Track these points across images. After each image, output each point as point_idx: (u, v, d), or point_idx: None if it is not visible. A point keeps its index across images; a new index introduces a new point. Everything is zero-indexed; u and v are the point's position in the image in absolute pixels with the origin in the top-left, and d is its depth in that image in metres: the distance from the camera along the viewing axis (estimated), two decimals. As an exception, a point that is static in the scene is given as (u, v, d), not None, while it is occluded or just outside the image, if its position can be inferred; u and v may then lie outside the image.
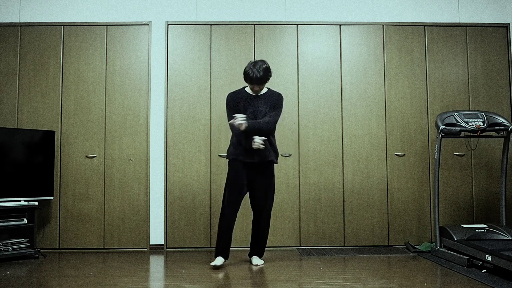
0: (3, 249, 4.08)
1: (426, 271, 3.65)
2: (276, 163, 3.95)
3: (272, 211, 4.67)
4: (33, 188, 4.41)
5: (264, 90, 3.92)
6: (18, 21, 4.80)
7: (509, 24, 4.94)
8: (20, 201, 4.32)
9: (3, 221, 4.14)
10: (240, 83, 4.77)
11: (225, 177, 3.95)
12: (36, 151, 4.46)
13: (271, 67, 4.91)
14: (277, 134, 4.74)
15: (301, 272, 3.65)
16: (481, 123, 4.22)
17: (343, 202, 4.77)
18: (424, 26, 4.92)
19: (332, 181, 4.77)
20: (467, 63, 4.92)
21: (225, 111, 4.72)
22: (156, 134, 4.76)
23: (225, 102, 3.92)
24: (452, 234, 4.07)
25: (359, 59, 4.87)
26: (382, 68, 4.87)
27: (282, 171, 4.74)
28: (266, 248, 4.13)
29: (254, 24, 4.86)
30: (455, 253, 3.95)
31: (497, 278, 3.34)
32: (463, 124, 4.21)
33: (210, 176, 4.72)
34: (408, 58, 4.88)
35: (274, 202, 4.15)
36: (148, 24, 4.84)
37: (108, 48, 4.82)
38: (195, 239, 4.70)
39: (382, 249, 4.62)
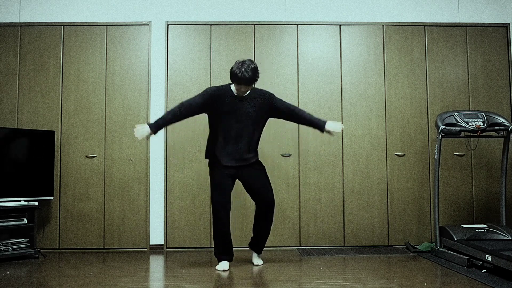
0: (3, 249, 4.09)
1: (426, 271, 3.65)
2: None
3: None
4: (33, 188, 4.40)
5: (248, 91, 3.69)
6: (18, 21, 4.80)
7: (509, 24, 4.94)
8: (20, 201, 4.32)
9: (3, 221, 4.14)
10: (240, 83, 4.77)
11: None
12: (36, 151, 4.46)
13: (271, 67, 4.93)
14: (277, 134, 4.74)
15: (301, 272, 3.65)
16: (481, 123, 4.22)
17: (343, 202, 4.77)
18: (424, 26, 4.92)
19: (332, 181, 4.77)
20: (467, 63, 4.92)
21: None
22: (156, 134, 4.75)
23: (204, 91, 3.65)
24: (452, 234, 4.07)
25: (359, 59, 4.87)
26: (382, 68, 4.87)
27: (282, 171, 4.75)
28: (266, 248, 4.13)
29: (254, 24, 4.86)
30: (455, 253, 3.95)
31: (497, 278, 3.34)
32: (463, 124, 4.21)
33: (210, 176, 4.71)
34: (408, 58, 4.88)
35: (274, 202, 4.08)
36: (148, 24, 4.84)
37: (108, 48, 4.82)
38: (195, 239, 4.70)
39: (382, 249, 4.63)
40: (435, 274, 3.56)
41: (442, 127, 4.18)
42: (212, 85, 4.77)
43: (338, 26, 4.91)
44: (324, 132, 3.82)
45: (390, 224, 4.76)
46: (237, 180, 3.80)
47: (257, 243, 3.91)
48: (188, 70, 4.81)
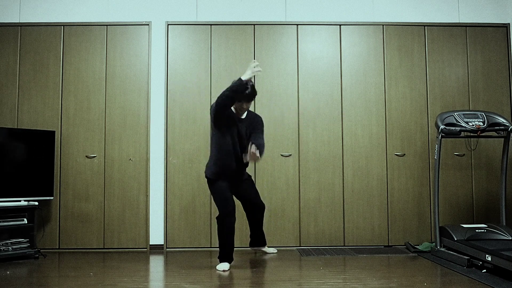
0: (3, 249, 4.09)
1: (426, 271, 3.65)
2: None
3: (272, 211, 4.71)
4: (33, 188, 4.41)
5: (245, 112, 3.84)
6: (18, 21, 4.80)
7: (509, 24, 4.94)
8: (20, 201, 4.32)
9: (3, 221, 4.14)
10: (240, 83, 4.77)
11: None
12: (36, 151, 4.46)
13: (271, 67, 4.98)
14: (277, 134, 4.75)
15: (301, 272, 3.65)
16: (481, 123, 4.22)
17: (343, 202, 4.77)
18: (424, 26, 4.92)
19: (332, 181, 4.77)
20: (467, 63, 4.92)
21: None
22: (156, 134, 4.76)
23: (215, 109, 3.63)
24: (452, 234, 4.07)
25: (359, 59, 4.87)
26: (382, 68, 4.87)
27: (282, 171, 4.75)
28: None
29: (254, 24, 4.86)
30: (455, 253, 3.95)
31: (497, 278, 3.34)
32: (463, 124, 4.21)
33: (210, 176, 4.71)
34: (408, 58, 4.88)
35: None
36: (148, 24, 4.84)
37: (108, 48, 4.82)
38: (195, 239, 4.70)
39: (382, 249, 4.62)
40: (435, 274, 3.56)
41: (442, 127, 4.18)
42: (212, 85, 4.79)
43: (338, 26, 4.91)
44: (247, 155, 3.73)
45: (390, 224, 4.76)
46: None
47: (260, 237, 4.27)
48: (188, 70, 4.81)
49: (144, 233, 4.69)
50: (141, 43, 4.83)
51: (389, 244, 4.75)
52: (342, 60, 4.87)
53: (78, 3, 4.86)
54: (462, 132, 4.33)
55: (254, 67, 3.50)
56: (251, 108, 4.60)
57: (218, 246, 3.94)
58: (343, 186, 4.78)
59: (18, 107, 4.74)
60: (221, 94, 3.55)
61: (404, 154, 4.81)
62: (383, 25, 4.90)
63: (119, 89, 4.78)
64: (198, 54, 4.83)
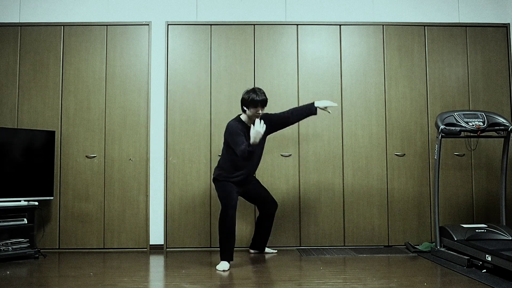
0: (3, 249, 4.09)
1: (426, 271, 3.65)
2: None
3: (272, 211, 4.71)
4: (33, 188, 4.41)
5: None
6: (18, 21, 4.80)
7: (509, 24, 4.94)
8: (20, 201, 4.32)
9: (3, 221, 4.14)
10: (240, 82, 4.78)
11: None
12: (36, 151, 4.46)
13: (271, 67, 4.99)
14: (277, 134, 4.74)
15: (301, 272, 3.65)
16: (481, 123, 4.22)
17: (343, 202, 4.77)
18: (424, 26, 4.92)
19: (332, 181, 4.77)
20: (467, 63, 4.92)
21: (225, 113, 4.73)
22: (156, 134, 4.76)
23: (231, 131, 3.79)
24: (452, 234, 4.07)
25: (359, 59, 4.87)
26: (382, 68, 4.87)
27: (282, 171, 4.74)
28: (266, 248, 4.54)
29: (254, 24, 4.86)
30: (455, 253, 3.95)
31: (497, 278, 3.34)
32: (463, 124, 4.21)
33: (210, 176, 4.71)
34: (408, 58, 4.88)
35: (277, 202, 4.48)
36: (148, 24, 4.84)
37: (108, 48, 4.82)
38: (195, 239, 4.70)
39: (382, 249, 4.62)
40: (435, 274, 3.56)
41: (442, 127, 4.18)
42: (212, 85, 4.79)
43: (338, 26, 4.91)
44: (319, 111, 4.02)
45: (390, 224, 4.76)
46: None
47: (264, 241, 4.39)
48: (188, 70, 4.81)
49: (144, 233, 4.69)
50: (141, 43, 4.83)
51: (389, 244, 4.75)
52: (342, 60, 4.87)
53: (78, 3, 4.86)
54: (462, 132, 4.33)
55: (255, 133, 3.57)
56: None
57: (218, 245, 3.94)
58: (343, 186, 4.78)
59: (18, 107, 4.74)
60: (243, 150, 3.62)
61: (404, 154, 4.81)
62: (383, 25, 4.90)
63: (119, 89, 4.78)
64: (198, 54, 4.83)
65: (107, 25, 4.83)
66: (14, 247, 4.17)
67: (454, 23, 4.93)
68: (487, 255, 3.53)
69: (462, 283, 3.24)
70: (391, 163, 4.80)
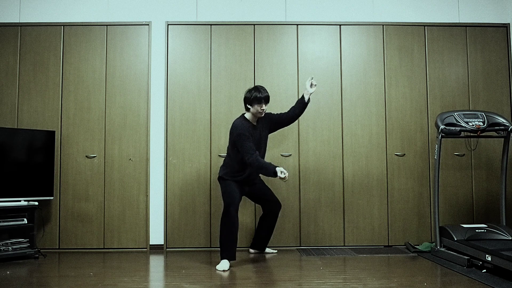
0: (3, 249, 4.09)
1: (426, 271, 3.65)
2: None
3: (272, 211, 4.71)
4: (33, 188, 4.41)
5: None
6: (18, 21, 4.80)
7: (509, 24, 4.94)
8: (20, 201, 4.32)
9: (3, 221, 4.14)
10: (240, 82, 4.78)
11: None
12: (36, 151, 4.46)
13: (271, 67, 4.99)
14: (277, 134, 4.75)
15: (301, 272, 3.65)
16: (481, 123, 4.22)
17: (343, 202, 4.77)
18: (424, 26, 4.92)
19: (332, 181, 4.77)
20: (467, 63, 4.92)
21: (225, 113, 4.73)
22: (156, 134, 4.76)
23: (238, 132, 3.80)
24: (452, 234, 4.07)
25: (359, 59, 4.87)
26: (382, 68, 4.87)
27: (282, 171, 4.74)
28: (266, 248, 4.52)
29: (254, 24, 4.86)
30: (455, 253, 3.95)
31: (497, 278, 3.34)
32: (463, 124, 4.21)
33: (210, 176, 4.72)
34: (408, 58, 4.88)
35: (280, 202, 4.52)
36: (148, 24, 4.84)
37: (108, 48, 4.82)
38: (195, 239, 4.70)
39: (382, 249, 4.62)
40: (435, 274, 3.56)
41: (442, 127, 4.18)
42: (212, 85, 4.79)
43: (338, 26, 4.91)
44: (309, 96, 4.06)
45: (390, 224, 4.76)
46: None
47: (265, 241, 4.39)
48: (188, 70, 4.81)
49: (144, 233, 4.69)
50: (141, 43, 4.83)
51: (389, 244, 4.75)
52: (342, 60, 4.87)
53: (78, 3, 4.86)
54: (462, 132, 4.33)
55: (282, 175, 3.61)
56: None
57: (218, 245, 3.94)
58: (343, 186, 4.78)
59: (18, 107, 4.74)
60: (253, 160, 3.69)
61: (404, 154, 4.81)
62: (383, 25, 4.90)
63: (119, 89, 4.78)
64: (198, 54, 4.83)
65: (107, 25, 4.83)
66: (14, 247, 4.17)
67: (454, 23, 4.93)
68: (487, 255, 3.53)
69: (462, 283, 3.24)
70: (391, 163, 4.80)
